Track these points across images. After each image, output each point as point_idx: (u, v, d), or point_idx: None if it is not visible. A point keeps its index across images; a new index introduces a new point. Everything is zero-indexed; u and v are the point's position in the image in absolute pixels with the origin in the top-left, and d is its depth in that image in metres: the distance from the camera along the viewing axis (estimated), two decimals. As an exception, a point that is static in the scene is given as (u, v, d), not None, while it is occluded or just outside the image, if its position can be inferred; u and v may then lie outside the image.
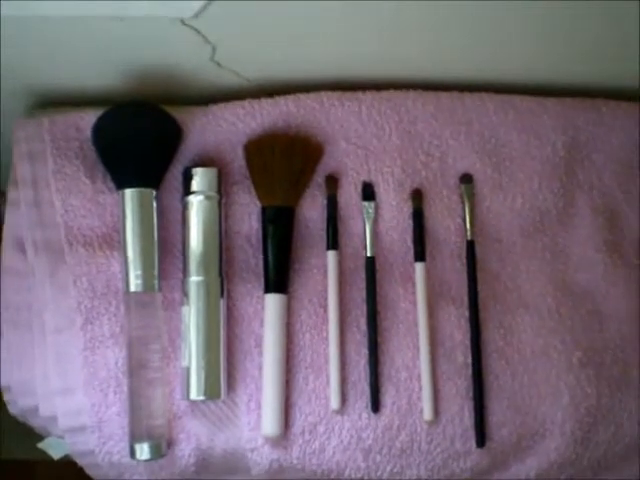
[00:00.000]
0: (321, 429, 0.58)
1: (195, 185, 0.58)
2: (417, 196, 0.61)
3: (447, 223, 0.62)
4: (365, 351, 0.59)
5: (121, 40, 0.56)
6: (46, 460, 0.61)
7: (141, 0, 0.51)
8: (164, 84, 0.62)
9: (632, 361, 0.60)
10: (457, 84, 0.64)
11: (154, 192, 0.58)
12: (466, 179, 0.62)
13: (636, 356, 0.61)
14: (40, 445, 0.60)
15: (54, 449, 0.60)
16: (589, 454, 0.60)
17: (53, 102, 0.64)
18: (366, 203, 0.61)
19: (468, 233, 0.61)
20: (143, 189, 0.57)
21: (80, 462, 0.59)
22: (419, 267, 0.60)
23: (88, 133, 0.60)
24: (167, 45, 0.57)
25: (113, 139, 0.58)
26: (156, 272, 0.57)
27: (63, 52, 0.57)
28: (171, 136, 0.60)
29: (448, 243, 0.61)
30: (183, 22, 0.53)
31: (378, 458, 0.58)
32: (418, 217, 0.61)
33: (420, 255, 0.60)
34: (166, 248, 0.59)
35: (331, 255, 0.60)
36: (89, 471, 0.60)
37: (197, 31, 0.55)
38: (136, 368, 0.57)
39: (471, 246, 0.61)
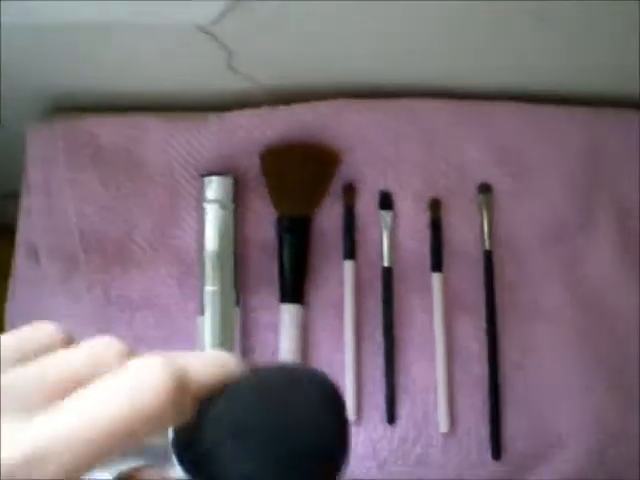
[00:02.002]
0: (336, 440, 0.57)
1: (210, 193, 0.58)
2: (435, 205, 0.61)
3: (465, 233, 0.61)
4: (381, 362, 0.58)
5: (137, 46, 0.55)
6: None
7: (158, 7, 0.50)
8: (180, 91, 0.61)
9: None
10: (476, 92, 0.63)
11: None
12: (484, 189, 0.61)
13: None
14: None
15: None
16: (606, 469, 0.59)
17: (66, 107, 0.63)
18: (384, 212, 0.60)
19: (486, 243, 0.60)
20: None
21: None
22: (436, 277, 0.59)
23: (102, 139, 0.59)
24: (184, 51, 0.56)
25: None
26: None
27: (78, 57, 0.56)
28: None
29: (466, 253, 0.61)
30: (201, 29, 0.52)
31: (393, 469, 0.58)
32: (436, 227, 0.60)
33: (437, 265, 0.60)
34: (181, 257, 0.59)
35: (348, 265, 0.59)
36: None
37: (214, 37, 0.54)
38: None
39: (488, 256, 0.60)
